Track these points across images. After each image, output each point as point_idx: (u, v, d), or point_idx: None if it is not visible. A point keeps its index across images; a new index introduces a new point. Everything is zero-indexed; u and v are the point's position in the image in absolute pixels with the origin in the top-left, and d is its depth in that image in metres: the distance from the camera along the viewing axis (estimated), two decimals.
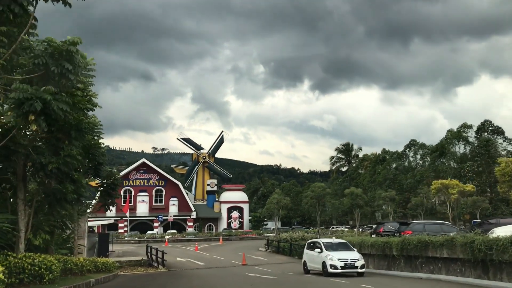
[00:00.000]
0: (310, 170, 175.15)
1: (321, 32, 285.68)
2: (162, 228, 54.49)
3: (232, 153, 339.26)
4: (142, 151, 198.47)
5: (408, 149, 51.46)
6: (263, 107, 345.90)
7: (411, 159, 50.61)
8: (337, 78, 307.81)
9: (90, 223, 28.13)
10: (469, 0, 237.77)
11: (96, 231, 40.20)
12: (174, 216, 55.58)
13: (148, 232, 49.65)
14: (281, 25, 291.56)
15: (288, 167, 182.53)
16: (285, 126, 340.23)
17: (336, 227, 52.19)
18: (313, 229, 41.55)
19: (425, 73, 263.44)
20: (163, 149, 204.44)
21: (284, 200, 37.50)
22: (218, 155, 65.15)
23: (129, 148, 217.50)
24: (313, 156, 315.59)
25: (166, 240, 41.90)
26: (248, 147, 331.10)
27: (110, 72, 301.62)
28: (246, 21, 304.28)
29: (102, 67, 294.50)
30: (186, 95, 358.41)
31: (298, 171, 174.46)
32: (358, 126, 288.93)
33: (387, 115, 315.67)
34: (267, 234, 48.32)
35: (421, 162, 49.67)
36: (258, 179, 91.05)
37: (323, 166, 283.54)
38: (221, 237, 45.35)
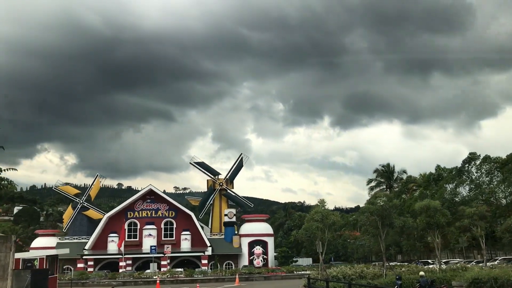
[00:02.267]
0: (335, 207, 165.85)
1: (339, 68, 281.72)
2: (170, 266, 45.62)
3: (253, 191, 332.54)
4: (164, 191, 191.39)
5: (467, 165, 42.43)
6: (284, 145, 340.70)
7: (475, 175, 41.45)
8: (357, 113, 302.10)
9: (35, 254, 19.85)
10: (487, 33, 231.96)
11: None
12: (186, 252, 46.84)
13: (147, 270, 41.56)
14: (298, 63, 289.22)
15: (312, 204, 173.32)
16: (306, 163, 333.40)
17: (417, 262, 42.40)
18: (363, 265, 31.63)
19: (447, 106, 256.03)
20: (184, 189, 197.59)
21: (332, 215, 28.08)
22: (239, 191, 56.64)
23: None
24: (337, 193, 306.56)
25: (158, 281, 32.57)
26: (270, 185, 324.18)
27: (131, 114, 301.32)
28: (264, 61, 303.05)
29: (124, 109, 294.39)
30: (207, 134, 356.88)
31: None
32: (381, 161, 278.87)
33: (411, 149, 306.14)
34: (303, 271, 39.22)
35: (487, 178, 40.54)
36: (283, 211, 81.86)
37: (348, 203, 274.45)
38: (237, 276, 36.25)
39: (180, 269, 41.73)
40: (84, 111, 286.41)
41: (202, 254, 46.38)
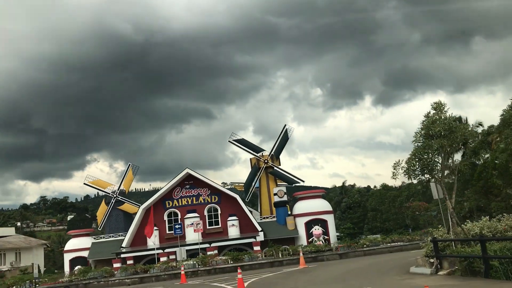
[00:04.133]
0: (387, 186, 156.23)
1: (374, 45, 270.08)
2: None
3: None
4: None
5: None
6: (326, 130, 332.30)
7: None
8: (398, 89, 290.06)
9: None
10: None
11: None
12: (235, 239, 40.76)
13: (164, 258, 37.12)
14: (331, 45, 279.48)
15: (363, 186, 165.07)
16: (352, 146, 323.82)
17: None
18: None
19: (493, 70, 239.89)
20: (232, 183, 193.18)
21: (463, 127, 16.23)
22: None
23: None
24: (387, 173, 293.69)
25: (182, 271, 26.63)
26: (316, 172, 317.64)
27: (172, 116, 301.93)
28: (296, 47, 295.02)
29: (165, 112, 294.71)
30: (248, 128, 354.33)
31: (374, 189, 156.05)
32: None
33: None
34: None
35: None
36: (338, 189, 74.40)
37: (399, 182, 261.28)
38: (301, 255, 28.64)
39: (220, 256, 35.89)
40: (126, 118, 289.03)
41: (253, 240, 40.13)
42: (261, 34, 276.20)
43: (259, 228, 41.42)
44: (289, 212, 44.53)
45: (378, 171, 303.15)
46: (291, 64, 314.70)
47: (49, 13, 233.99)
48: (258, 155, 48.60)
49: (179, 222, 41.72)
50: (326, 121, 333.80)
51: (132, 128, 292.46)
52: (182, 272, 26.53)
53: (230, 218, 43.17)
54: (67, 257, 43.34)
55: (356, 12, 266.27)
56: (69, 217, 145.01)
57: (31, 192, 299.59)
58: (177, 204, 43.92)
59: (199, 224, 35.31)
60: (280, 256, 35.08)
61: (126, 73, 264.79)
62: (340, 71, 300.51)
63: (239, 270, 18.53)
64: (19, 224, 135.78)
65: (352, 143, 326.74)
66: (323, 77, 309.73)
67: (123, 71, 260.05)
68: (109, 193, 47.80)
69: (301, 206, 43.74)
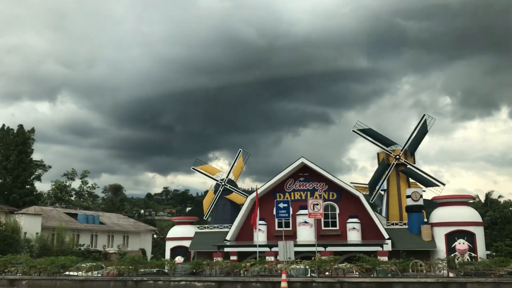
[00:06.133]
0: None
1: None
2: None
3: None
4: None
5: None
6: (454, 141, 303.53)
7: None
8: None
9: None
10: None
11: None
12: (356, 244, 33.79)
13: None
14: (465, 50, 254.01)
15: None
16: (482, 160, 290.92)
17: None
18: None
19: None
20: (352, 183, 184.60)
21: None
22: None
23: None
24: None
25: (285, 280, 18.74)
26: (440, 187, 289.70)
27: (290, 119, 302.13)
28: (425, 52, 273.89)
29: (283, 115, 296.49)
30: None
31: None
32: None
33: None
34: None
35: None
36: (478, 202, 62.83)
37: None
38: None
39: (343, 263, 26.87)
40: (246, 119, 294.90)
41: (379, 249, 32.76)
42: (387, 37, 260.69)
43: (386, 236, 33.95)
44: (425, 219, 36.26)
45: None
46: (418, 70, 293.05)
47: (182, 19, 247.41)
48: (389, 149, 40.97)
49: (293, 222, 35.92)
50: (454, 132, 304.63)
51: (251, 129, 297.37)
52: (284, 284, 18.89)
53: (350, 220, 36.36)
54: (169, 245, 40.13)
55: (496, 14, 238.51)
56: (187, 209, 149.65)
57: (158, 184, 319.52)
58: (288, 198, 38.09)
59: (317, 205, 27.72)
60: (414, 271, 27.24)
61: (248, 76, 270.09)
62: (473, 78, 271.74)
63: None
64: (142, 211, 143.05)
65: (483, 157, 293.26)
66: (454, 85, 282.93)
67: (246, 74, 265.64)
68: (217, 180, 43.91)
69: (441, 214, 35.19)
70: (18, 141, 58.67)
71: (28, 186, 59.07)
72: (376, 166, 42.29)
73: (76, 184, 75.67)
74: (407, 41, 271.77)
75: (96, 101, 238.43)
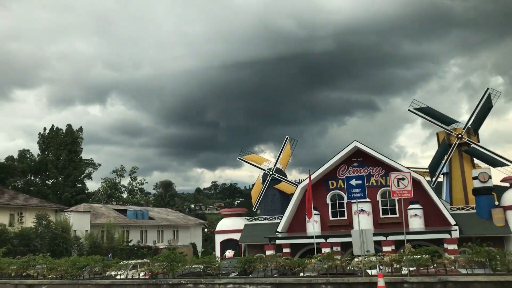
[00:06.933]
0: None
1: None
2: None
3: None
4: None
5: None
6: (508, 123, 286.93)
7: None
8: None
9: None
10: None
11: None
12: (420, 232, 30.93)
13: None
14: None
15: None
16: None
17: None
18: None
19: None
20: (409, 168, 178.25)
21: None
22: None
23: None
24: None
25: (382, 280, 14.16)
26: (495, 170, 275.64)
27: (334, 108, 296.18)
28: (473, 31, 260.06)
29: (327, 105, 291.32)
30: (415, 121, 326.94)
31: None
32: None
33: None
34: None
35: None
36: None
37: None
38: None
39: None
40: (290, 111, 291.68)
41: (447, 236, 29.71)
42: (432, 19, 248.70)
43: (453, 222, 30.92)
44: (496, 202, 32.89)
45: None
46: (466, 50, 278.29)
47: (221, 15, 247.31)
48: (449, 128, 37.63)
49: (348, 210, 33.57)
50: (509, 113, 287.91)
51: (296, 121, 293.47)
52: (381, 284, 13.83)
53: (411, 206, 33.48)
54: (218, 239, 38.76)
55: None
56: (236, 202, 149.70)
57: (207, 179, 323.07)
58: (342, 185, 35.66)
59: (403, 180, 20.59)
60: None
61: (290, 68, 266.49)
62: None
63: None
64: (192, 206, 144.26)
65: None
66: (506, 64, 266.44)
67: (287, 67, 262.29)
68: (265, 170, 42.07)
69: None
70: (68, 140, 59.27)
71: (79, 185, 59.65)
72: (427, 151, 40.07)
73: (125, 181, 76.23)
74: (453, 21, 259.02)
75: (143, 102, 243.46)
